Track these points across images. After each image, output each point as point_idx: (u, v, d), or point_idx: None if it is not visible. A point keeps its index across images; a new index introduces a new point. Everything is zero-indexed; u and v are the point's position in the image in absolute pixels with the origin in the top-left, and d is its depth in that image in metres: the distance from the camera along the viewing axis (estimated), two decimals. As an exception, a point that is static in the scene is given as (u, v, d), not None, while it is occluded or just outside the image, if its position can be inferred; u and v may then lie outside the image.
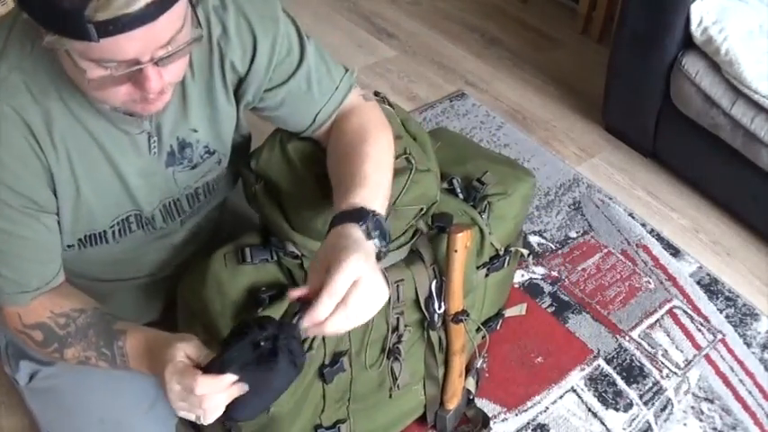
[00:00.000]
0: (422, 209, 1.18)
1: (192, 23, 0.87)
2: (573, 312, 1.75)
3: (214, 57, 1.00)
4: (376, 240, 0.92)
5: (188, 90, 1.00)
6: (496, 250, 1.36)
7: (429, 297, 1.22)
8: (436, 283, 1.22)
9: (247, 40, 1.01)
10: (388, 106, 1.26)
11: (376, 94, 1.29)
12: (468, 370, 1.48)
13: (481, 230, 1.30)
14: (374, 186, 1.00)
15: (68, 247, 1.04)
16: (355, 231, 0.90)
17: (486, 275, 1.37)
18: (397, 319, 1.21)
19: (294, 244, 1.12)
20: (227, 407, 0.89)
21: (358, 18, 2.81)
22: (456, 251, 1.19)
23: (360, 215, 0.92)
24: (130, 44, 0.78)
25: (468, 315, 1.28)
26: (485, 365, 1.59)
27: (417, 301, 1.23)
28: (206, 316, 1.13)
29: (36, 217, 0.96)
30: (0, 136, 0.89)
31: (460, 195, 1.33)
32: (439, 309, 1.24)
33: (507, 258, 1.39)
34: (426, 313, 1.24)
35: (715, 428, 1.54)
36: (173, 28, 0.81)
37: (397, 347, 1.23)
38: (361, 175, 1.00)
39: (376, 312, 0.87)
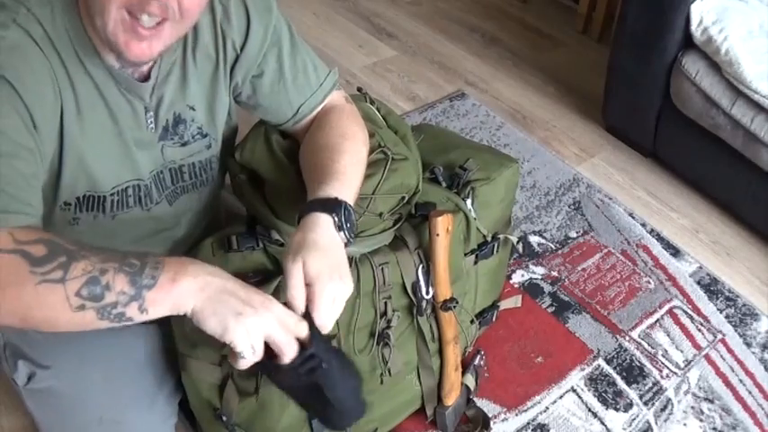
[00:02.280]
0: (403, 197, 1.22)
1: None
2: (573, 312, 1.75)
3: (218, 40, 1.06)
4: (344, 232, 0.98)
5: (188, 69, 1.05)
6: (484, 237, 1.38)
7: (416, 282, 1.24)
8: (422, 267, 1.24)
9: (243, 23, 1.07)
10: (368, 102, 1.32)
11: (359, 90, 1.33)
12: (465, 366, 1.48)
13: (466, 216, 1.32)
14: (348, 181, 1.05)
15: (65, 204, 1.03)
16: (327, 221, 0.96)
17: (476, 263, 1.40)
18: (385, 303, 1.23)
19: (278, 231, 1.16)
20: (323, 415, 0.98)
21: (358, 18, 2.81)
22: (438, 235, 1.21)
23: (333, 206, 0.97)
24: None
25: (457, 302, 1.29)
26: (483, 363, 1.59)
27: (404, 286, 1.24)
28: None
29: (33, 138, 0.91)
30: (18, 47, 0.89)
31: (443, 183, 1.35)
32: (427, 294, 1.25)
33: (495, 245, 1.41)
34: (414, 298, 1.25)
35: (715, 428, 1.54)
36: None
37: (387, 333, 1.24)
38: (339, 169, 1.05)
39: None
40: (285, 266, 0.91)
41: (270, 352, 0.93)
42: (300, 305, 0.91)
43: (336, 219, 0.97)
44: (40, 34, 0.91)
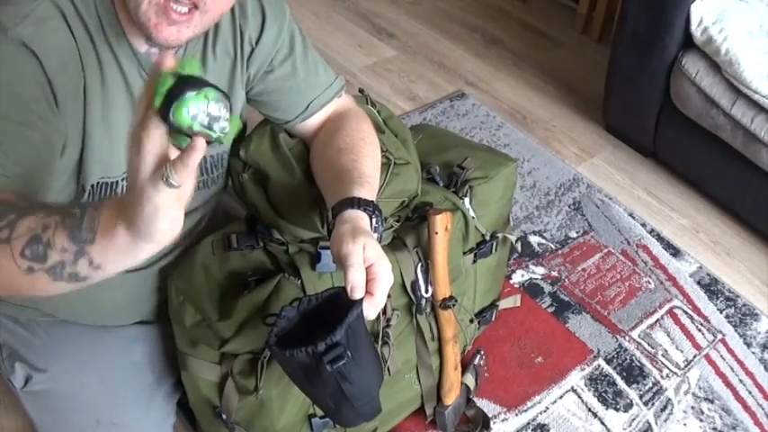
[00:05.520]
0: (403, 201, 1.23)
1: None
2: (573, 312, 1.75)
3: (236, 36, 1.09)
4: (378, 235, 1.01)
5: (207, 62, 1.08)
6: (482, 235, 1.38)
7: (415, 281, 1.25)
8: (421, 266, 1.24)
9: (258, 19, 1.10)
10: (369, 105, 1.33)
11: (360, 91, 1.34)
12: (465, 365, 1.49)
13: (464, 215, 1.32)
14: (374, 185, 1.09)
15: (82, 189, 1.03)
16: (367, 221, 0.99)
17: (474, 261, 1.40)
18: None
19: (279, 230, 1.16)
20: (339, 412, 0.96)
21: (358, 18, 2.81)
22: (437, 233, 1.21)
23: (371, 209, 1.01)
24: None
25: (456, 301, 1.29)
26: (482, 362, 1.59)
27: (404, 284, 1.24)
28: (195, 298, 1.17)
29: (52, 111, 0.91)
30: (47, 21, 0.90)
31: (440, 183, 1.35)
32: (426, 292, 1.25)
33: (494, 244, 1.41)
34: (413, 297, 1.25)
35: (715, 428, 1.54)
36: None
37: (386, 332, 1.24)
38: (366, 173, 1.08)
39: None
40: (344, 249, 0.91)
41: (288, 340, 0.92)
42: (363, 285, 0.90)
43: (374, 221, 1.00)
44: (70, 11, 0.92)
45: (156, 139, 0.65)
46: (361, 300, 0.90)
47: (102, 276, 0.74)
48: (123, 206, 0.68)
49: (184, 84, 0.63)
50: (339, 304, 0.92)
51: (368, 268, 0.91)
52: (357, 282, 0.89)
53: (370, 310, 0.91)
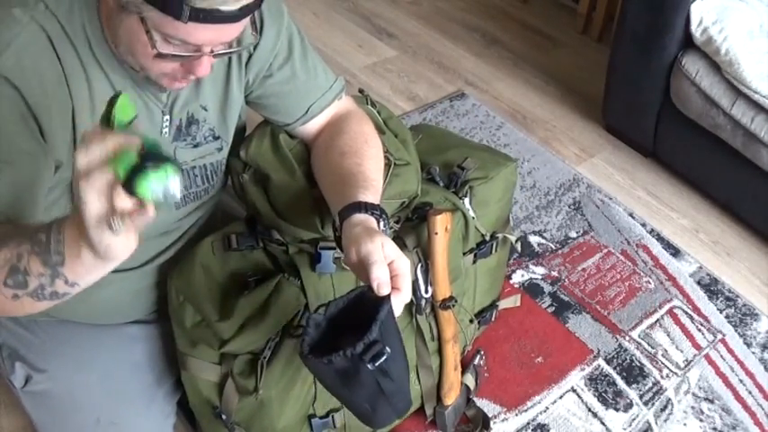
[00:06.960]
0: (403, 202, 1.23)
1: (251, 28, 0.94)
2: (573, 312, 1.75)
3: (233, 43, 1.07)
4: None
5: None
6: (482, 236, 1.38)
7: (415, 281, 1.24)
8: (421, 266, 1.24)
9: (256, 24, 1.07)
10: (370, 105, 1.33)
11: (360, 91, 1.34)
12: (465, 365, 1.49)
13: (464, 215, 1.32)
14: (378, 188, 1.09)
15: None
16: (375, 224, 1.00)
17: (474, 261, 1.40)
18: None
19: (279, 231, 1.16)
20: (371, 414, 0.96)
21: (358, 18, 2.81)
22: (436, 233, 1.21)
23: (378, 213, 1.01)
24: (206, 34, 0.84)
25: (456, 301, 1.29)
26: (482, 362, 1.59)
27: None
28: (195, 299, 1.17)
29: (38, 143, 0.91)
30: (31, 46, 0.89)
31: (440, 183, 1.35)
32: (426, 293, 1.25)
33: (494, 244, 1.42)
34: (413, 297, 1.25)
35: (715, 428, 1.54)
36: (241, 30, 0.88)
37: None
38: (371, 176, 1.09)
39: None
40: (364, 248, 0.91)
41: (321, 349, 0.92)
42: (389, 281, 0.91)
43: (381, 224, 1.01)
44: (56, 32, 0.91)
45: (104, 187, 0.67)
46: (389, 296, 0.91)
47: (80, 289, 0.79)
48: (81, 230, 0.70)
49: (146, 158, 0.67)
50: (362, 304, 0.92)
51: (389, 265, 0.92)
52: (383, 278, 0.90)
53: (398, 305, 0.92)
